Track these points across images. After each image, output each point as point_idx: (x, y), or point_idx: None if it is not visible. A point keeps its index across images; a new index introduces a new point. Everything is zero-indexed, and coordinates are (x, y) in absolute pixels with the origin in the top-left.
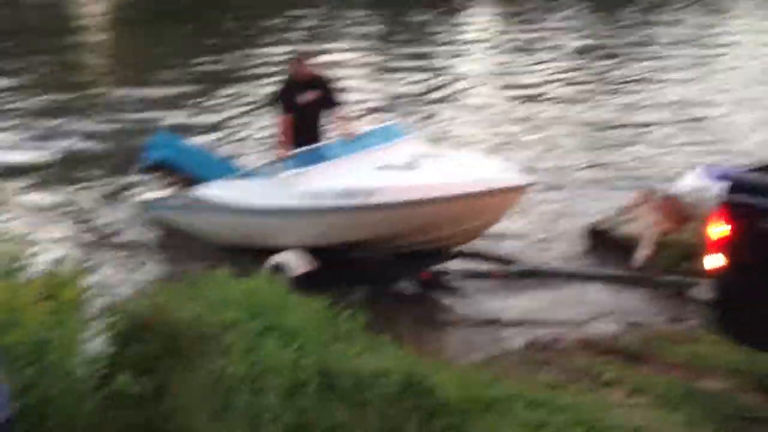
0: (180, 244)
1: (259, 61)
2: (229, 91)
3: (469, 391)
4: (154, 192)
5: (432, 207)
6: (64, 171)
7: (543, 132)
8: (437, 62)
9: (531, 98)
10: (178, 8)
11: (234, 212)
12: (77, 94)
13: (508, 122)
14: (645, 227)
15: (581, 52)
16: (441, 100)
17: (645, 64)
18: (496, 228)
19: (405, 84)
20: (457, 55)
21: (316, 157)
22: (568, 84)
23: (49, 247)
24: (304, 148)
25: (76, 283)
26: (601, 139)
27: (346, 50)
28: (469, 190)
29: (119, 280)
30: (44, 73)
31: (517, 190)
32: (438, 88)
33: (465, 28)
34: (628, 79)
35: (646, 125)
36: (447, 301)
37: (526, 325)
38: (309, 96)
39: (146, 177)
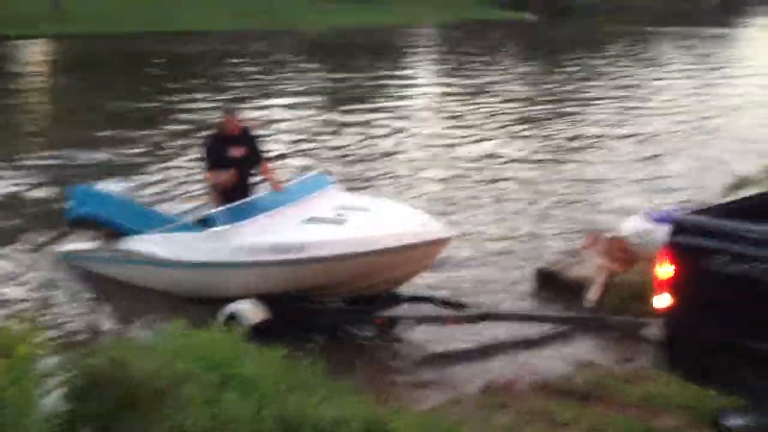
0: (128, 296)
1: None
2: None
3: None
4: (78, 243)
5: (359, 260)
6: None
7: (487, 182)
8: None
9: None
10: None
11: (167, 265)
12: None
13: (449, 174)
14: (594, 269)
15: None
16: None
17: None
18: (447, 273)
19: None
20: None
21: (248, 212)
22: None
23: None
24: (235, 203)
25: (30, 339)
26: (548, 183)
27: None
28: (393, 244)
29: (72, 334)
30: None
31: (440, 242)
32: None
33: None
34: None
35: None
36: (402, 346)
37: (481, 368)
38: (238, 151)
39: (73, 231)
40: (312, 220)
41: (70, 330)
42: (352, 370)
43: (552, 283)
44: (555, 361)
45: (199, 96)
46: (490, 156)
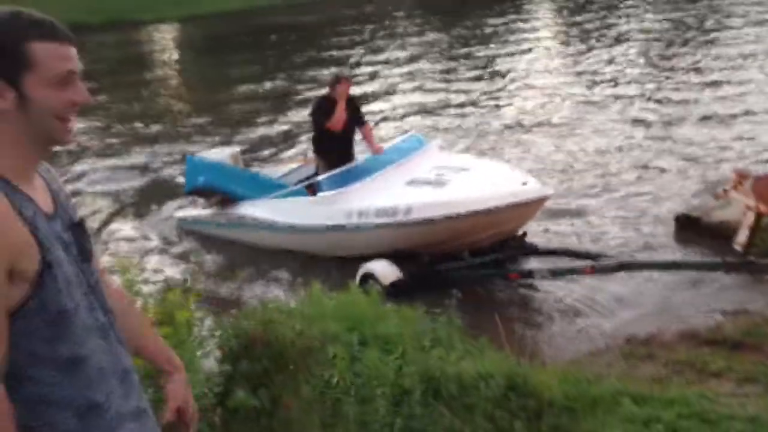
0: (266, 260)
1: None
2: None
3: (573, 390)
4: (196, 210)
5: (462, 221)
6: (139, 199)
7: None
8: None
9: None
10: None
11: (280, 229)
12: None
13: (577, 117)
14: (742, 211)
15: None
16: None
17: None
18: (581, 223)
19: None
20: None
21: (353, 176)
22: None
23: (150, 273)
24: (340, 168)
25: (187, 305)
26: (682, 124)
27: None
28: (493, 205)
29: (222, 299)
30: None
31: (538, 200)
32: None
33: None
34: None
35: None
36: (541, 299)
37: (625, 319)
38: (343, 116)
39: (191, 199)
40: (413, 182)
41: (219, 296)
42: (490, 326)
43: (693, 229)
44: (704, 309)
45: (317, 68)
46: (618, 97)
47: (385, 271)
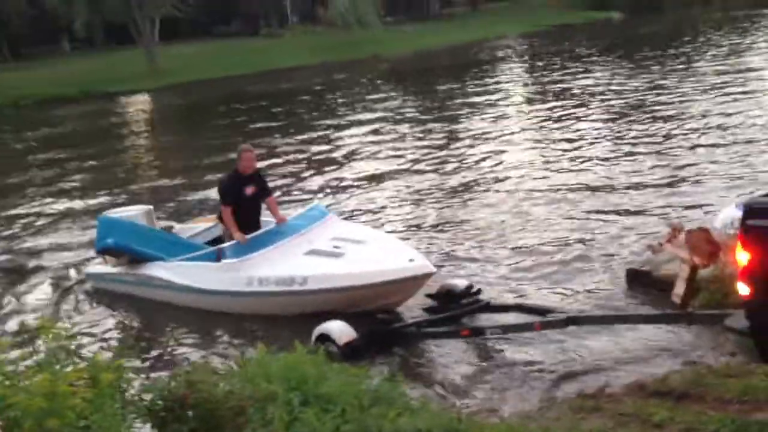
0: (211, 322)
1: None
2: None
3: None
4: (105, 267)
5: (354, 292)
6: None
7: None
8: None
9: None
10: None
11: (186, 290)
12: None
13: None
14: (678, 264)
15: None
16: None
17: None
18: (532, 279)
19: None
20: None
21: (256, 245)
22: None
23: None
24: (246, 236)
25: (115, 368)
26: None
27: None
28: (383, 279)
29: (157, 361)
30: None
31: (424, 276)
32: None
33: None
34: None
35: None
36: (492, 355)
37: (573, 373)
38: (250, 189)
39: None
40: (312, 252)
41: (150, 357)
42: (437, 383)
43: (643, 282)
44: (651, 361)
45: (281, 135)
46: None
47: (340, 331)
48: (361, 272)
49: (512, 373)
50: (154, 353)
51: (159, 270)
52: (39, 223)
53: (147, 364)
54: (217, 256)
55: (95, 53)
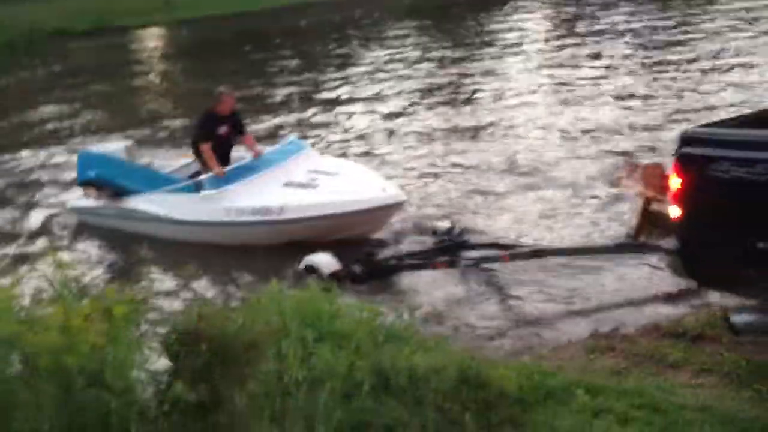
0: (209, 256)
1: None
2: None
3: (527, 382)
4: (87, 200)
5: (328, 221)
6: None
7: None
8: None
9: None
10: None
11: (166, 222)
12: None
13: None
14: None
15: None
16: None
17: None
18: (498, 219)
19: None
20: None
21: (234, 177)
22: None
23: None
24: (224, 168)
25: (127, 300)
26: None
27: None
28: (356, 208)
29: (172, 296)
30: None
31: (395, 205)
32: None
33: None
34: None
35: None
36: (504, 295)
37: (586, 315)
38: (224, 129)
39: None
40: (289, 183)
41: (163, 291)
42: (443, 322)
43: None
44: (666, 304)
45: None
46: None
47: (326, 262)
48: (336, 201)
49: (522, 312)
50: (159, 288)
51: (139, 202)
52: (38, 158)
53: (156, 299)
54: (196, 188)
55: None
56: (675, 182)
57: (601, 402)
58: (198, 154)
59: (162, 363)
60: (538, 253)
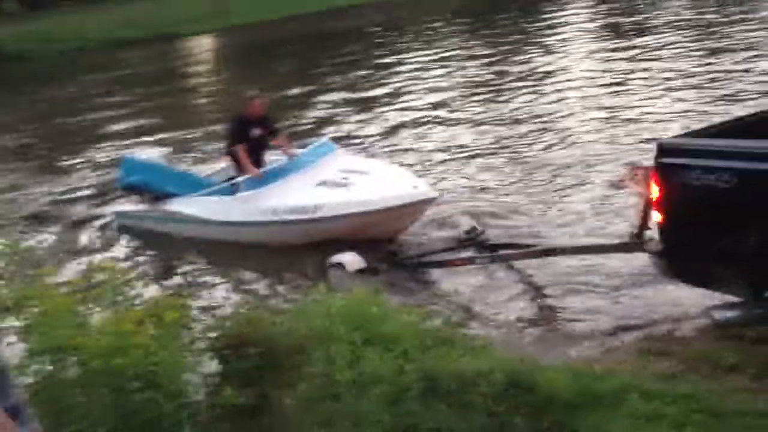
0: (247, 260)
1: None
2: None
3: (577, 386)
4: (130, 205)
5: (362, 218)
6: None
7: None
8: None
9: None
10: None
11: (206, 223)
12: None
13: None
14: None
15: None
16: None
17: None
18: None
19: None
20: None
21: (269, 178)
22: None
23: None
24: (259, 170)
25: (178, 306)
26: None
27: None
28: (389, 205)
29: (219, 300)
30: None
31: (427, 201)
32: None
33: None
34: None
35: None
36: (554, 295)
37: (639, 316)
38: (257, 131)
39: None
40: (322, 183)
41: (212, 297)
42: (486, 323)
43: None
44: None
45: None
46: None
47: (352, 261)
48: (368, 199)
49: (574, 315)
50: (206, 292)
51: (179, 205)
52: (95, 162)
53: (204, 302)
54: (233, 190)
55: None
56: (655, 189)
57: (654, 407)
58: (232, 157)
59: (212, 366)
60: (549, 251)
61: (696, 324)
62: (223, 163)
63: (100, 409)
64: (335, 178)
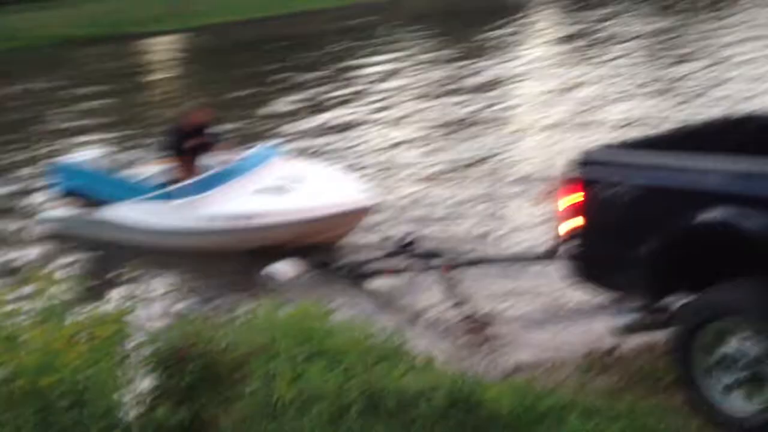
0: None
1: None
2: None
3: (520, 403)
4: (62, 210)
5: (299, 226)
6: None
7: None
8: None
9: None
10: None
11: (141, 230)
12: None
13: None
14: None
15: None
16: None
17: None
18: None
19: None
20: None
21: (207, 185)
22: None
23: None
24: (198, 178)
25: (114, 320)
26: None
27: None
28: (326, 213)
29: (157, 312)
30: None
31: (365, 209)
32: None
33: None
34: None
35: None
36: (498, 310)
37: (582, 333)
38: (194, 141)
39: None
40: (261, 190)
41: (150, 308)
42: (438, 341)
43: None
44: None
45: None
46: None
47: (283, 270)
48: (307, 206)
49: (517, 329)
50: (144, 303)
51: (114, 211)
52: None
53: (141, 314)
54: (170, 197)
55: None
56: (572, 198)
57: (595, 425)
58: (170, 163)
59: (147, 383)
60: (478, 261)
61: (635, 340)
62: (160, 168)
63: (25, 429)
64: (275, 185)
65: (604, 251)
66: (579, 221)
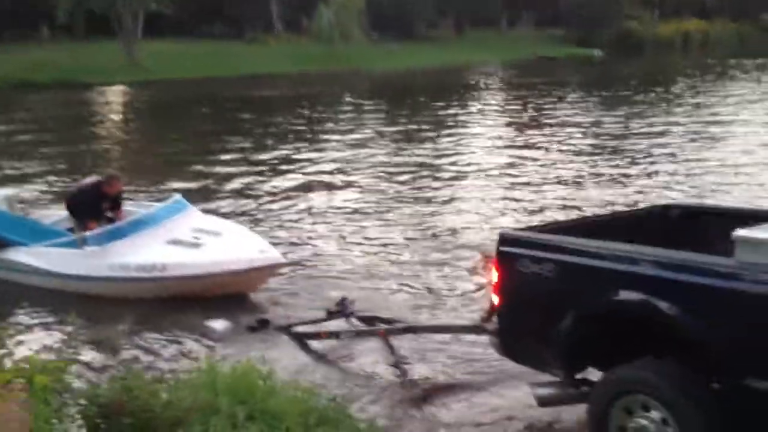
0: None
1: None
2: None
3: None
4: None
5: (209, 279)
6: None
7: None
8: None
9: None
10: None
11: (51, 276)
12: None
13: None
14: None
15: None
16: None
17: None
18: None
19: None
20: None
21: (119, 233)
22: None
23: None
24: (110, 226)
25: (52, 369)
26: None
27: None
28: (236, 268)
29: (99, 365)
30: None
31: (274, 266)
32: None
33: None
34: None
35: None
36: (423, 381)
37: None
38: (108, 205)
39: None
40: (172, 242)
41: (90, 358)
42: (376, 404)
43: None
44: None
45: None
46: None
47: (221, 329)
48: (216, 261)
49: (458, 396)
50: (91, 354)
51: (22, 255)
52: None
53: (85, 365)
54: (81, 243)
55: (75, 42)
56: (494, 275)
57: None
58: (76, 216)
59: None
60: (410, 329)
61: (576, 413)
62: (63, 212)
63: None
64: (186, 237)
65: (518, 328)
66: (497, 298)
